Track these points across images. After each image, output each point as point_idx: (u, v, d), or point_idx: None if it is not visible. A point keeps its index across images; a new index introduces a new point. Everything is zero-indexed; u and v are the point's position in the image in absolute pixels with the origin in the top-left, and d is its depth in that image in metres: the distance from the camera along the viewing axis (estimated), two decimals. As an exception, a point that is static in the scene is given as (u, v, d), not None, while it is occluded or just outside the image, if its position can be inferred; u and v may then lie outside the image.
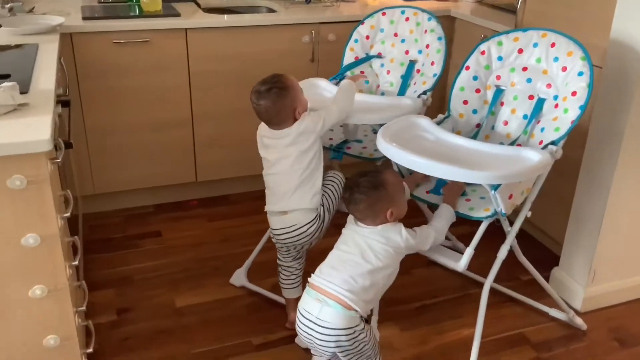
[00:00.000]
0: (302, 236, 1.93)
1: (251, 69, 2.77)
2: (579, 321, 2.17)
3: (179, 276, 2.43)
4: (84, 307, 1.67)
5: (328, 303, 1.56)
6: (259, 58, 2.76)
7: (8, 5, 2.58)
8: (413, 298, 2.31)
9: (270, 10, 3.04)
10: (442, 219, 1.76)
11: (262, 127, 1.94)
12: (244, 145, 2.89)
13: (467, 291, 2.37)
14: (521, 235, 2.71)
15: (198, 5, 2.95)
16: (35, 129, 1.38)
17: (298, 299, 1.80)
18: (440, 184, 1.91)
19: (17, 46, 2.10)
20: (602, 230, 2.13)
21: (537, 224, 2.61)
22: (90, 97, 2.59)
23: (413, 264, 2.45)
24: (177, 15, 2.66)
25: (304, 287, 1.71)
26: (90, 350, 1.70)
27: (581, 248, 2.22)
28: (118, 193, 2.84)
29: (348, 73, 2.32)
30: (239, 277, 2.35)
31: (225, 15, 2.78)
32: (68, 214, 1.55)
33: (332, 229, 2.77)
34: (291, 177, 1.87)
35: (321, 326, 1.56)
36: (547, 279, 2.37)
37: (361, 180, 1.63)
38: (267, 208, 1.98)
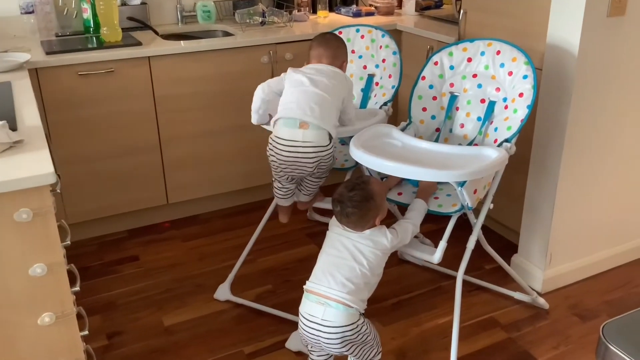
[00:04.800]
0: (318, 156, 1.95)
1: (215, 90, 2.88)
2: (541, 301, 2.37)
3: (162, 296, 2.50)
4: (86, 332, 1.73)
5: (330, 305, 1.69)
6: (222, 79, 2.88)
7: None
8: (389, 295, 2.47)
9: (227, 34, 3.16)
10: (416, 212, 1.91)
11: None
12: (211, 164, 2.99)
13: (438, 284, 2.54)
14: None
15: (156, 32, 3.03)
16: (36, 164, 1.46)
17: (288, 207, 2.11)
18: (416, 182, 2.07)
19: (-11, 85, 2.14)
20: (554, 217, 2.34)
21: (494, 216, 2.81)
22: (58, 129, 2.63)
23: (386, 264, 2.57)
24: (139, 44, 2.75)
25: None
26: (94, 372, 1.76)
27: (537, 234, 2.43)
28: (90, 221, 2.87)
29: None
30: (223, 292, 2.44)
31: (187, 41, 2.88)
32: (68, 242, 1.62)
33: (306, 238, 2.91)
34: None
35: (327, 326, 1.68)
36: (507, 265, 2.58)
37: (352, 195, 1.74)
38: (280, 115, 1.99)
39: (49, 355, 1.58)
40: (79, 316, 1.66)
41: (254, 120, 2.14)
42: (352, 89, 2.11)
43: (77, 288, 1.68)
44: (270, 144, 2.02)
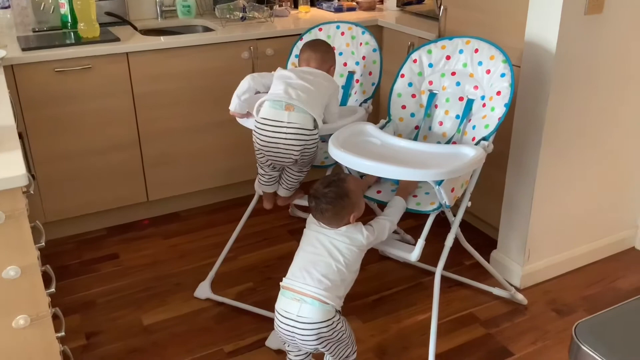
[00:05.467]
0: (298, 142, 1.98)
1: (195, 86, 2.86)
2: (520, 297, 2.39)
3: (142, 295, 2.48)
4: (62, 333, 1.71)
5: (306, 301, 1.69)
6: (202, 75, 2.85)
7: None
8: (370, 291, 2.47)
9: (207, 29, 3.13)
10: (394, 209, 1.92)
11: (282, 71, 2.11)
12: (192, 161, 2.97)
13: (418, 280, 2.55)
14: (460, 224, 2.95)
15: (135, 28, 2.99)
16: (8, 165, 1.43)
17: (272, 193, 2.15)
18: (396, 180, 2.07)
19: (-38, 82, 2.10)
20: (533, 213, 2.36)
21: (474, 212, 2.83)
22: (35, 127, 2.59)
23: (367, 260, 2.58)
24: (117, 39, 2.71)
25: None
26: (71, 374, 1.75)
27: (515, 230, 2.45)
28: (68, 219, 2.84)
29: None
30: (204, 290, 2.43)
31: (167, 37, 2.84)
32: (42, 244, 1.60)
33: (287, 235, 2.91)
34: None
35: (302, 322, 1.68)
36: (487, 261, 2.59)
37: (327, 191, 1.75)
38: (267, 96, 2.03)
39: (25, 357, 1.56)
40: (55, 317, 1.65)
41: (233, 106, 2.14)
42: (337, 91, 2.16)
43: (52, 289, 1.66)
44: (256, 127, 2.04)
